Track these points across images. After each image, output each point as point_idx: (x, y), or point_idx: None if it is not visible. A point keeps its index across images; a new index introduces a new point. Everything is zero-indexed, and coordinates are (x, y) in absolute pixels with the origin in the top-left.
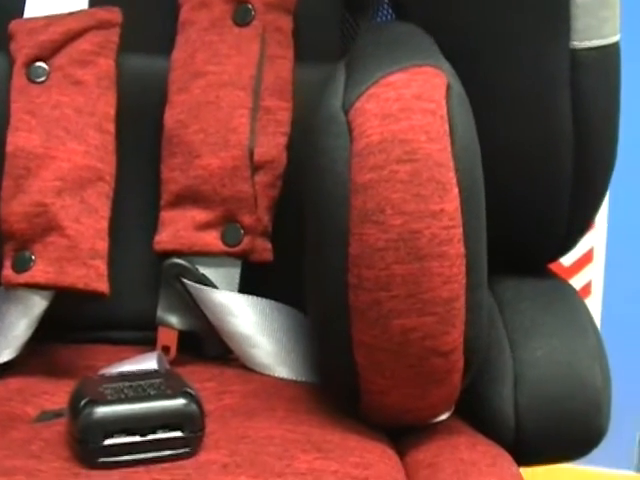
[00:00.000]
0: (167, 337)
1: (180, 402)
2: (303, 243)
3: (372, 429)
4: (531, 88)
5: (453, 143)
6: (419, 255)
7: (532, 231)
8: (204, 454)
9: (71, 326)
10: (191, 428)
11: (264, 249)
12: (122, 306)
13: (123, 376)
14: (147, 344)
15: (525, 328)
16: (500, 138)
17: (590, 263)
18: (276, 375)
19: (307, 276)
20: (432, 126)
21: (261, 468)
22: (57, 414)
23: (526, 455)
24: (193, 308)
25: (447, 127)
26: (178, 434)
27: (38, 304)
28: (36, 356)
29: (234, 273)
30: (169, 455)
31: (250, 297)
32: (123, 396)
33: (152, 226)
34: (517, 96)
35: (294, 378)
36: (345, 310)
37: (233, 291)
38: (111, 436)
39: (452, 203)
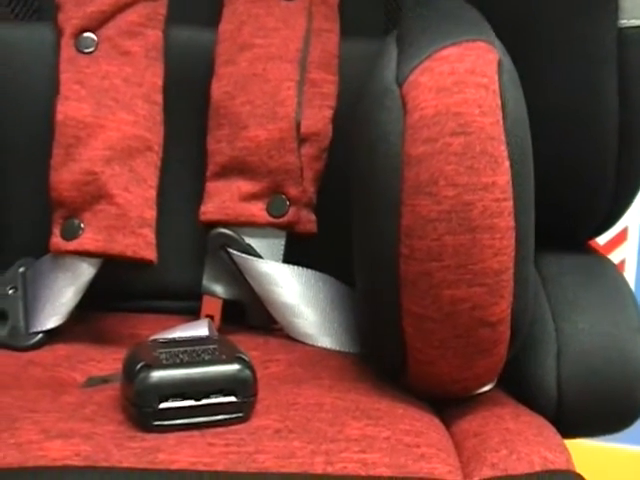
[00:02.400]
0: (211, 306)
1: (234, 367)
2: (347, 215)
3: (417, 399)
4: (578, 66)
5: (504, 117)
6: (471, 227)
7: (576, 206)
8: (256, 420)
9: (117, 295)
10: (244, 393)
11: (308, 221)
12: (167, 276)
13: (177, 341)
14: (191, 314)
15: (567, 302)
16: (546, 115)
17: (624, 242)
18: (319, 345)
19: (355, 247)
20: (485, 100)
21: (314, 434)
22: (104, 380)
23: (567, 427)
24: (238, 278)
25: (499, 101)
26: (232, 399)
27: (86, 272)
28: (82, 324)
29: (278, 244)
30: (222, 420)
31: (295, 267)
32: (178, 361)
33: (198, 197)
34: (563, 74)
35: (337, 348)
36: (396, 280)
37: (277, 262)
38: (166, 400)
39: (503, 176)
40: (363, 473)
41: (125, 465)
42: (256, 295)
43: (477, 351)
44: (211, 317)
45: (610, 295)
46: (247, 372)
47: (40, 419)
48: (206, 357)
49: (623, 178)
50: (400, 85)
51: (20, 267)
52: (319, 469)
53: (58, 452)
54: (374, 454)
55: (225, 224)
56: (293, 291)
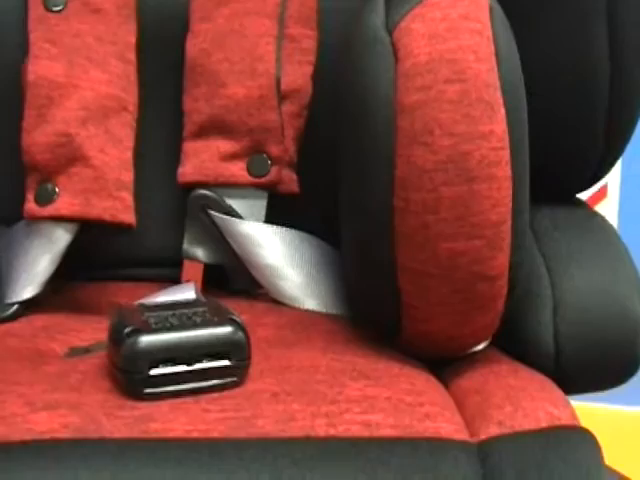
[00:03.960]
0: (193, 271)
1: (227, 329)
2: (329, 174)
3: (412, 359)
4: (568, 15)
5: (499, 64)
6: (468, 177)
7: (569, 157)
8: (251, 384)
9: (94, 264)
10: (238, 356)
11: (290, 180)
12: (146, 242)
13: (164, 305)
14: (171, 281)
15: (562, 256)
16: (537, 64)
17: (604, 199)
18: (305, 307)
19: (345, 204)
20: (480, 46)
21: (312, 396)
22: (87, 350)
23: (565, 383)
24: (219, 241)
25: (493, 48)
26: (225, 363)
27: (62, 238)
28: (59, 294)
29: (260, 206)
30: (216, 385)
31: (278, 228)
32: (168, 324)
33: (175, 159)
34: (553, 23)
35: (324, 311)
36: (390, 235)
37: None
38: (156, 366)
39: (500, 125)
40: (368, 434)
41: (117, 436)
42: (239, 258)
43: (475, 307)
44: None
45: (605, 249)
46: (240, 334)
47: (23, 391)
48: (197, 320)
49: (614, 127)
50: (390, 32)
51: None
52: (321, 432)
53: (45, 425)
54: (377, 415)
55: (205, 185)
56: (277, 252)
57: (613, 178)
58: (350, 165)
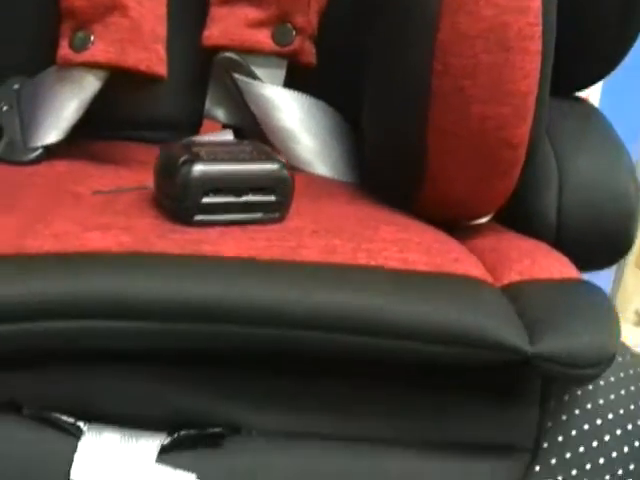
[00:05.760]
0: (211, 131)
1: (275, 166)
2: (345, 49)
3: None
4: None
5: None
6: (506, 47)
7: (579, 48)
8: (291, 222)
9: (114, 120)
10: (283, 192)
11: (310, 52)
12: (165, 103)
13: (213, 142)
14: None
15: (569, 144)
16: None
17: None
18: (317, 172)
19: (379, 68)
20: None
21: (350, 234)
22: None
23: None
24: (240, 104)
25: None
26: (271, 198)
27: (92, 84)
28: (78, 147)
29: (280, 74)
30: (260, 218)
31: (297, 93)
32: (219, 157)
33: (200, 23)
34: None
35: (335, 177)
36: (426, 96)
37: None
38: (207, 195)
39: (536, 2)
40: (406, 268)
41: (172, 252)
42: (256, 121)
43: (496, 173)
44: None
45: (606, 138)
46: (285, 172)
47: (71, 215)
48: (245, 156)
49: (628, 18)
50: None
51: (14, 84)
52: (363, 263)
53: (99, 242)
54: (412, 254)
55: (229, 49)
56: (293, 116)
57: (594, 90)
58: (394, 29)
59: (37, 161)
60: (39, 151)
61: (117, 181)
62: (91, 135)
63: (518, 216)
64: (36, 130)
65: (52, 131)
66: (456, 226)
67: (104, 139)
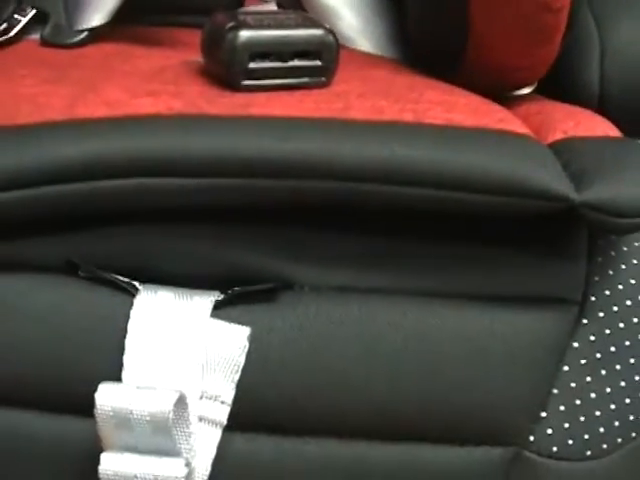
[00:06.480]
0: None
1: (320, 32)
2: None
3: None
4: None
5: None
6: None
7: None
8: (337, 86)
9: (158, 7)
10: (329, 57)
11: None
12: None
13: (259, 11)
14: None
15: (610, 10)
16: None
17: None
18: (360, 49)
19: None
20: None
21: (397, 96)
22: None
23: None
24: None
25: None
26: (317, 63)
27: None
28: (126, 30)
29: None
30: (307, 82)
31: None
32: (265, 24)
33: None
34: None
35: (378, 53)
36: None
37: None
38: (254, 60)
39: None
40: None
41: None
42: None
43: (538, 39)
44: None
45: None
46: (331, 37)
47: (121, 82)
48: (291, 22)
49: None
50: None
51: None
52: (410, 120)
53: (149, 107)
54: (458, 114)
55: None
56: None
57: None
58: None
59: (83, 44)
60: (84, 34)
61: (164, 61)
62: (134, 20)
63: (560, 85)
64: (80, 13)
65: (96, 14)
66: (500, 97)
67: (148, 24)
